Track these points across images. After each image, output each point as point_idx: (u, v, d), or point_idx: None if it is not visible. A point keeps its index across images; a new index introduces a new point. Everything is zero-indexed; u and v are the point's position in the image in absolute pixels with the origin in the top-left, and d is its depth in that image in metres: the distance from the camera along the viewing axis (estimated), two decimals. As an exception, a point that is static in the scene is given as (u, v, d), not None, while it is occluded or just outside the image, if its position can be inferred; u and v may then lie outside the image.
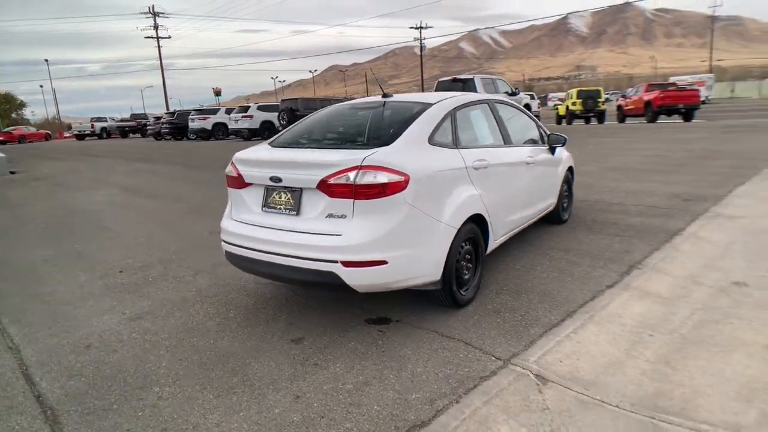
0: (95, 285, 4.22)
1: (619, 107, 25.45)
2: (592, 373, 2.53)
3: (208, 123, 29.77)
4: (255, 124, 26.24)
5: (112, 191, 9.76)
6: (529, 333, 2.96)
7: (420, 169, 2.88)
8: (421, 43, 68.24)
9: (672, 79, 42.46)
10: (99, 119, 44.12)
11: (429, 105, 3.36)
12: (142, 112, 55.29)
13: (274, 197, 3.04)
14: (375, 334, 3.05)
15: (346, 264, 2.69)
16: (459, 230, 3.10)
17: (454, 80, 15.89)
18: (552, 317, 3.14)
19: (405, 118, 3.22)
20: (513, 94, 16.79)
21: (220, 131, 29.68)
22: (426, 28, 67.90)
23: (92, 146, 30.44)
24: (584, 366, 2.59)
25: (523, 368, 2.59)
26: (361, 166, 2.70)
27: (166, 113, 37.34)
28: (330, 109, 3.88)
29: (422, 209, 2.87)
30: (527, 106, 17.34)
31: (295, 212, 2.93)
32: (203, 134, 29.95)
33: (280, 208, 3.01)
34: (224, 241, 3.30)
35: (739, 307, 3.17)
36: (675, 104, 20.54)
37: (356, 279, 2.72)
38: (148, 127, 38.57)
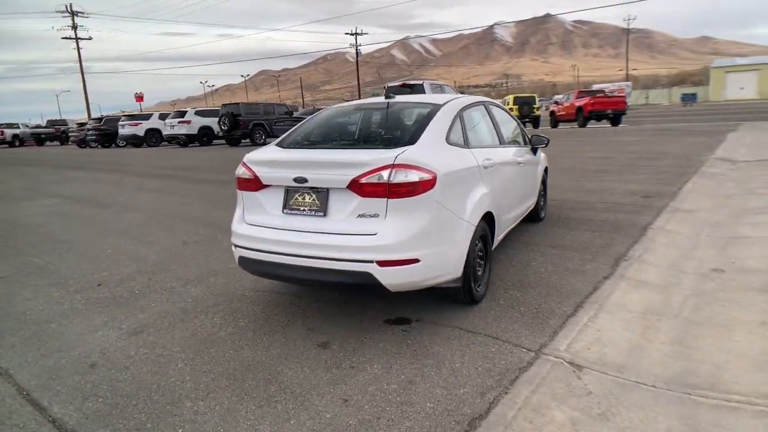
0: (75, 300, 3.90)
1: (552, 113, 26.93)
2: (619, 357, 2.67)
3: (140, 129, 28.33)
4: (193, 129, 25.24)
5: (54, 201, 9.03)
6: (548, 324, 3.08)
7: (443, 167, 2.92)
8: (357, 49, 68.24)
9: (595, 87, 45.52)
10: (10, 125, 40.52)
11: (439, 105, 3.41)
12: (59, 117, 51.44)
13: (296, 198, 2.97)
14: (400, 334, 3.05)
15: (382, 263, 2.68)
16: (476, 227, 3.17)
17: (404, 85, 16.07)
18: (565, 308, 3.28)
19: (420, 118, 3.26)
20: (459, 99, 17.27)
21: (154, 138, 28.36)
22: (362, 34, 68.14)
23: (8, 155, 27.97)
24: (610, 351, 2.74)
25: (556, 357, 2.69)
26: (393, 164, 2.71)
27: (92, 119, 35.06)
28: (335, 110, 3.84)
29: (448, 207, 2.91)
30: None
31: (322, 213, 2.87)
32: (135, 141, 28.45)
33: (304, 210, 2.94)
34: (238, 246, 3.17)
35: (725, 290, 3.47)
36: (604, 110, 22.05)
37: (391, 278, 2.72)
38: (70, 134, 36.02)
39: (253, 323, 3.31)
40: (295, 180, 2.91)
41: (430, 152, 2.94)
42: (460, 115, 3.49)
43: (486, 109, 4.12)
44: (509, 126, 4.58)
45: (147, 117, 29.22)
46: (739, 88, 56.33)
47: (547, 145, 4.93)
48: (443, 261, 2.91)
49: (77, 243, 5.76)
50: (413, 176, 2.72)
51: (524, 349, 2.79)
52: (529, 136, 4.97)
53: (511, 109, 25.84)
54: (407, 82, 16.11)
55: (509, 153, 4.18)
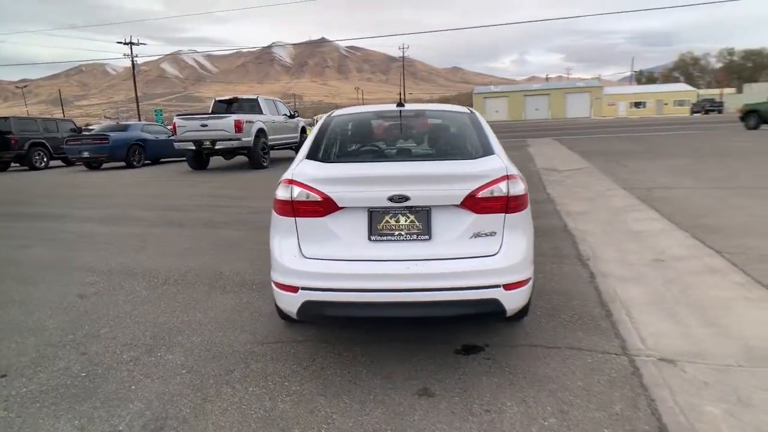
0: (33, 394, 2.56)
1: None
2: (686, 346, 2.93)
3: None
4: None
5: None
6: (601, 327, 3.20)
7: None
8: (132, 60, 60.96)
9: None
10: None
11: (473, 112, 3.31)
12: None
13: (387, 221, 2.48)
14: (488, 363, 2.81)
15: (508, 287, 2.43)
16: (532, 241, 3.13)
17: (234, 99, 15.08)
18: (597, 310, 3.46)
19: (470, 126, 3.11)
20: (292, 116, 16.96)
21: None
22: (138, 44, 61.20)
23: None
24: (675, 342, 2.98)
25: (647, 356, 2.82)
26: (508, 175, 2.50)
27: None
28: (360, 119, 3.34)
29: (531, 221, 2.81)
30: (303, 129, 17.75)
31: (426, 236, 2.47)
32: None
33: (400, 234, 2.47)
34: (301, 288, 2.47)
35: (682, 276, 4.10)
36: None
37: (513, 302, 2.49)
38: None
39: (309, 383, 2.65)
40: (391, 199, 2.43)
41: (509, 161, 2.80)
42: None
43: None
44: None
45: None
46: (495, 111, 68.56)
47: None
48: (533, 278, 2.78)
49: None
50: (520, 187, 2.57)
51: (614, 355, 2.84)
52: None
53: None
54: (239, 96, 15.19)
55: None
